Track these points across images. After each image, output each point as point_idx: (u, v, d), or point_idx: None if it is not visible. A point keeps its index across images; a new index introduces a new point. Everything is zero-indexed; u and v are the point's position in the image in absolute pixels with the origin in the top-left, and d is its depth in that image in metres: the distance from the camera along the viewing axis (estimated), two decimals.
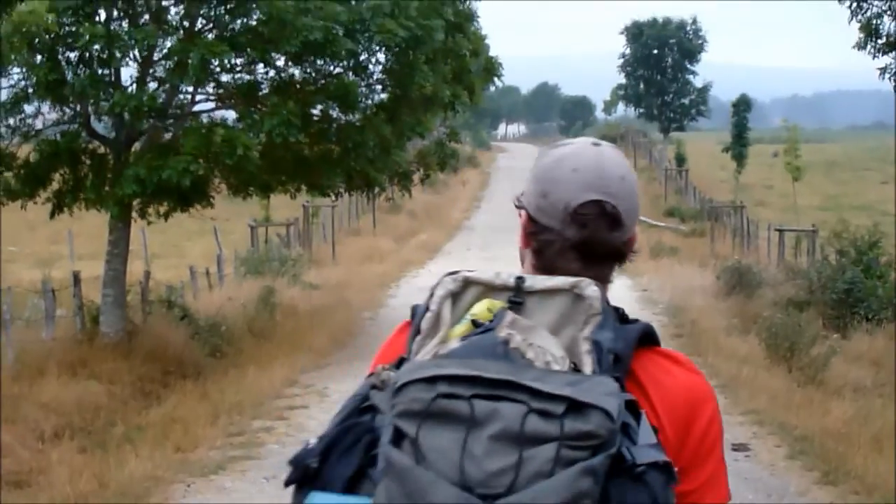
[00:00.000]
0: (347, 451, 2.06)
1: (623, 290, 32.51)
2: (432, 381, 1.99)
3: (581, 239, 2.34)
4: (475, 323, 2.17)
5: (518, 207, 2.48)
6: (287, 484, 2.09)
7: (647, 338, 2.30)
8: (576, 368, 2.11)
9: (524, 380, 1.98)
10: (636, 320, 2.30)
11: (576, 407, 1.94)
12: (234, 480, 11.49)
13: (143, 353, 17.97)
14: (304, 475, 2.07)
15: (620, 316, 2.27)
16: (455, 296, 2.25)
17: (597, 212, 2.34)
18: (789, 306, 23.34)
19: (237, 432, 13.79)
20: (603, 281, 2.37)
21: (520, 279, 2.24)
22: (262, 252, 32.54)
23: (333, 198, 24.61)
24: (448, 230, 48.99)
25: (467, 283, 2.25)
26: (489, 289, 2.24)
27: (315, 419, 14.51)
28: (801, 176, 54.61)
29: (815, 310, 24.19)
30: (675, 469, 2.04)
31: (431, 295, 2.25)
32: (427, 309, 2.23)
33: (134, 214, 19.22)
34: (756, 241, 44.10)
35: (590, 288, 2.20)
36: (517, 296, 2.21)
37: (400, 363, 2.16)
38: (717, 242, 47.89)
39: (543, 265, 2.39)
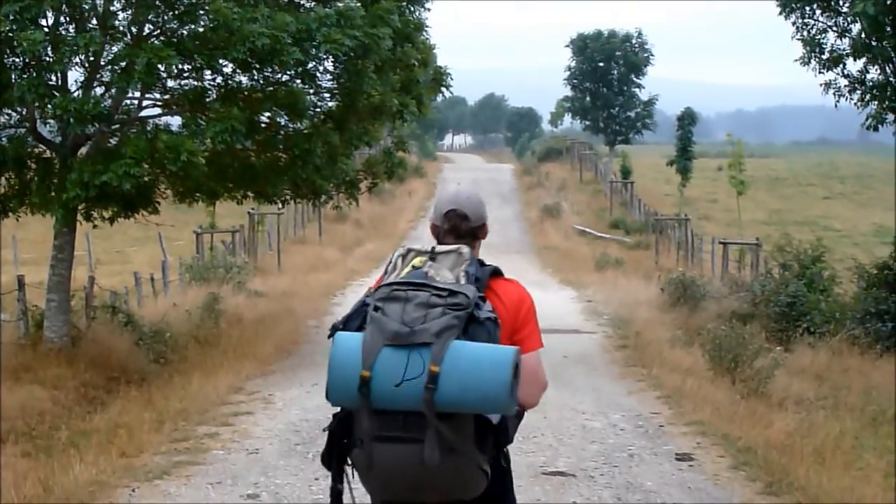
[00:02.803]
0: (356, 317, 4.54)
1: (567, 302, 32.65)
2: (389, 285, 4.53)
3: (449, 227, 4.90)
4: (414, 267, 4.65)
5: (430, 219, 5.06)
6: (329, 336, 4.48)
7: (497, 272, 4.79)
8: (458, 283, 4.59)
9: (431, 284, 4.49)
10: (491, 265, 4.80)
11: (452, 293, 4.44)
12: (178, 486, 11.41)
13: (88, 358, 17.88)
14: (335, 329, 4.50)
15: (481, 263, 4.74)
16: (404, 256, 4.74)
17: (454, 213, 4.90)
18: (733, 319, 23.44)
19: (182, 438, 13.69)
20: (472, 246, 4.82)
21: (433, 248, 4.73)
22: (208, 259, 32.41)
23: (280, 206, 24.52)
24: (394, 240, 48.94)
25: (409, 250, 4.77)
26: (420, 253, 4.73)
27: (260, 425, 14.45)
28: (745, 190, 55.07)
29: (758, 323, 24.39)
30: (512, 326, 4.69)
31: (392, 255, 4.78)
32: (391, 262, 4.75)
33: (80, 218, 19.10)
34: (700, 254, 44.45)
35: (465, 249, 4.70)
36: (432, 255, 4.69)
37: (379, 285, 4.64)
38: (661, 255, 48.25)
39: (439, 240, 4.87)
